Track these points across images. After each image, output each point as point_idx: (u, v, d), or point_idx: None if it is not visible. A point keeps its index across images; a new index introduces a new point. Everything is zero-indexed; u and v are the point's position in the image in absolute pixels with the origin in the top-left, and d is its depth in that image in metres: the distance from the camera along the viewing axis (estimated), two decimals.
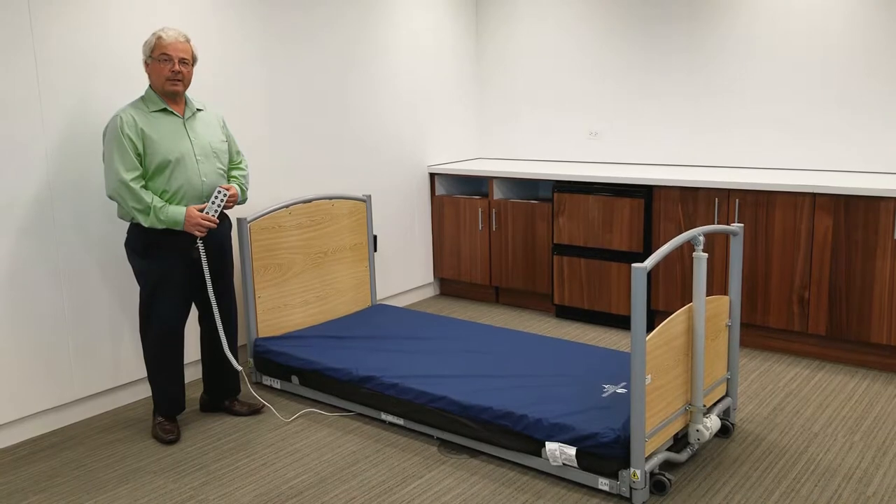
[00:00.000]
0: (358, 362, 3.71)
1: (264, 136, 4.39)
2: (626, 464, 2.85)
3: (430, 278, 5.62)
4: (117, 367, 3.82)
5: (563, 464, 2.97)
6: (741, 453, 3.22)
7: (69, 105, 3.52)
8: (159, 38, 3.26)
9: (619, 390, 3.27)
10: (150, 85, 3.34)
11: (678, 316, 2.97)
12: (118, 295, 3.79)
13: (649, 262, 2.73)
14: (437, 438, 3.43)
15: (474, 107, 5.88)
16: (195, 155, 3.33)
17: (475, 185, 5.65)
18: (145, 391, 3.98)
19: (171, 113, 3.32)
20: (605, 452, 2.87)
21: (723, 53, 4.80)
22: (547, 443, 3.00)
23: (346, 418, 3.66)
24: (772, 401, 3.73)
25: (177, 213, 3.24)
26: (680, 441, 3.18)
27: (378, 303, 4.76)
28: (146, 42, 3.29)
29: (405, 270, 5.40)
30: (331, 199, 4.37)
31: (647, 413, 2.79)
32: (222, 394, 3.73)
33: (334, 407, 3.79)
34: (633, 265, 2.69)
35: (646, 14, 5.04)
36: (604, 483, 2.92)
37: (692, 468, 3.11)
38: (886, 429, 3.40)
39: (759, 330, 4.41)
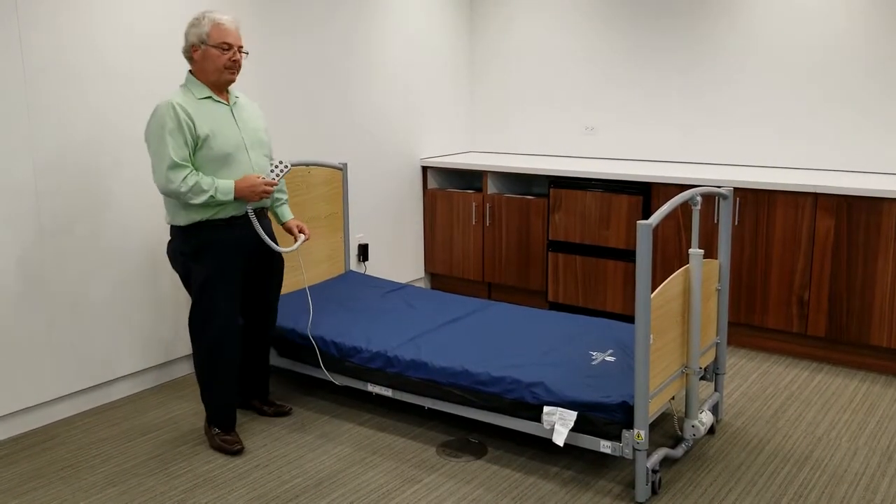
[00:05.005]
0: (340, 333, 3.56)
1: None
2: (627, 426, 2.83)
3: (422, 273, 5.53)
4: (103, 363, 3.70)
5: (559, 427, 2.91)
6: (746, 458, 3.17)
7: (58, 111, 3.40)
8: (219, 24, 3.04)
9: (608, 358, 3.25)
10: (192, 72, 3.12)
11: (675, 277, 2.98)
12: (104, 289, 3.66)
13: (654, 218, 2.76)
14: (427, 408, 3.41)
15: (468, 99, 5.78)
16: (246, 145, 3.15)
17: (468, 180, 5.56)
18: (132, 388, 3.85)
19: (218, 101, 3.12)
20: (607, 416, 2.84)
21: (724, 48, 4.74)
22: (545, 407, 2.95)
23: (339, 418, 3.56)
24: (773, 403, 3.68)
25: (227, 184, 3.04)
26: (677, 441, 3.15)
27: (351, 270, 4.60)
28: (196, 25, 3.04)
29: (395, 265, 5.30)
30: (307, 165, 4.24)
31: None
32: (252, 392, 3.58)
33: (314, 378, 3.72)
34: (639, 222, 2.71)
35: (645, 6, 4.96)
36: (606, 446, 2.89)
37: (698, 473, 3.06)
38: (890, 433, 3.37)
39: (758, 331, 4.37)
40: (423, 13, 5.28)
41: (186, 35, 3.10)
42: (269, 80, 4.31)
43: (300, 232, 3.42)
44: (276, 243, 3.31)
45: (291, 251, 3.35)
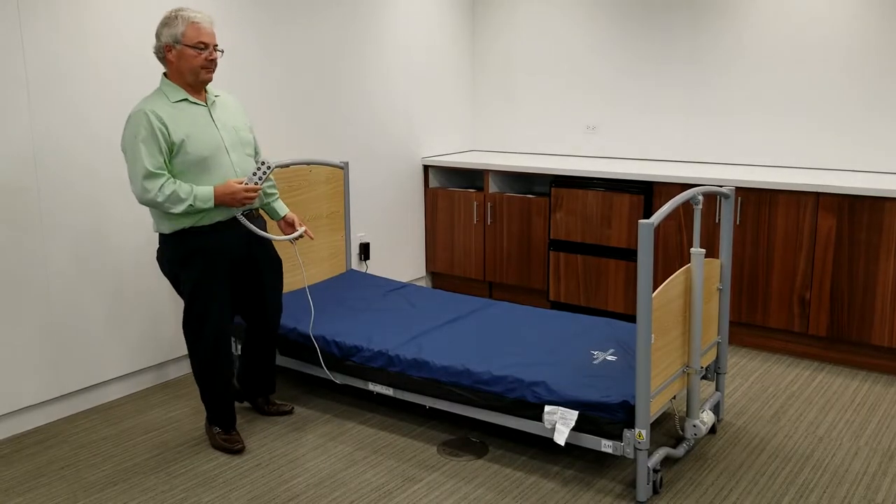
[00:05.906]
0: (342, 332, 3.56)
1: (253, 127, 4.26)
2: (629, 425, 2.83)
3: (423, 272, 5.53)
4: (103, 361, 3.70)
5: (560, 426, 2.91)
6: (747, 457, 3.17)
7: (59, 110, 3.40)
8: (194, 23, 2.94)
9: (609, 357, 3.25)
10: (166, 74, 3.04)
11: (676, 277, 2.98)
12: (103, 288, 3.66)
13: (656, 217, 2.76)
14: (428, 407, 3.38)
15: (469, 98, 5.77)
16: (225, 146, 3.07)
17: (469, 178, 5.56)
18: (132, 387, 3.85)
19: (194, 102, 3.04)
20: (608, 415, 2.84)
21: (725, 48, 4.73)
22: (546, 406, 2.95)
23: (340, 417, 3.56)
24: (774, 402, 3.68)
25: (206, 192, 2.97)
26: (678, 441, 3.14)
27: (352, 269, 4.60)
28: (169, 24, 2.95)
29: (397, 264, 5.29)
30: (308, 164, 4.23)
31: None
32: (257, 390, 3.56)
33: (315, 377, 3.71)
34: (641, 221, 2.71)
35: (647, 4, 4.95)
36: (607, 445, 2.89)
37: (699, 472, 3.05)
38: (891, 433, 3.36)
39: (759, 330, 4.36)
40: (426, 11, 5.27)
41: (158, 35, 3.00)
42: (271, 78, 4.30)
43: (299, 226, 3.39)
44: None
45: (289, 239, 3.31)
